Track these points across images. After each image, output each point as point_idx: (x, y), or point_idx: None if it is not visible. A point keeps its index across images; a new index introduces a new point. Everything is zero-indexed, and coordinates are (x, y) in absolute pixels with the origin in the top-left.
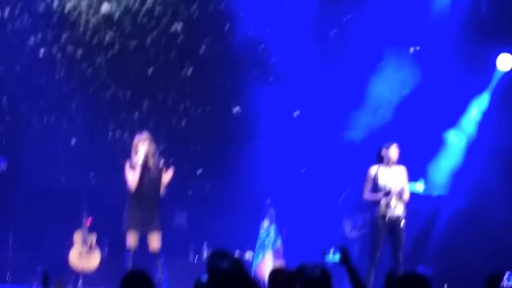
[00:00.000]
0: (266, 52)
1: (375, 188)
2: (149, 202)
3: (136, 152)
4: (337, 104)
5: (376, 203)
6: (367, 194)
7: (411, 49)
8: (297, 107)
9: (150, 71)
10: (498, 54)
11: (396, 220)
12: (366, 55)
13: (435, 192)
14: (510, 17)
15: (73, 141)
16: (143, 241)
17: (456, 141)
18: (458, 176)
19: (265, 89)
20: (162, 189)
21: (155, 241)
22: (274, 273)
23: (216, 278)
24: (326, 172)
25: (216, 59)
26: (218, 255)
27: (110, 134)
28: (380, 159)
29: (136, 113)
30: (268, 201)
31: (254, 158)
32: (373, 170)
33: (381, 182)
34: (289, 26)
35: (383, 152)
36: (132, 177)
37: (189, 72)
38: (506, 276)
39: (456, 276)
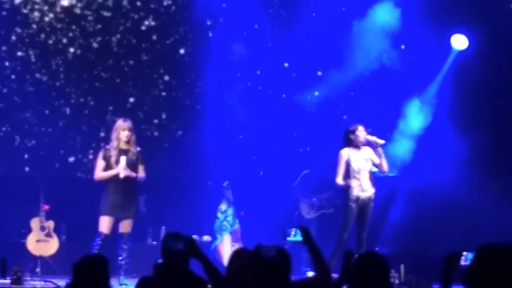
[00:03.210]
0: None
1: (348, 171)
2: (127, 188)
3: (116, 136)
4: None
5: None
6: (340, 178)
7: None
8: (253, 89)
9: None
10: (453, 34)
11: (368, 201)
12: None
13: (391, 173)
14: None
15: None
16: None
17: (415, 119)
18: (414, 156)
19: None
20: (140, 176)
21: (126, 226)
22: (234, 254)
23: (171, 259)
24: (283, 154)
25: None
26: (172, 237)
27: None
28: (348, 142)
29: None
30: (225, 184)
31: (211, 141)
32: (345, 153)
33: (354, 165)
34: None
35: (351, 135)
36: (101, 174)
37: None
38: (462, 257)
39: (413, 256)
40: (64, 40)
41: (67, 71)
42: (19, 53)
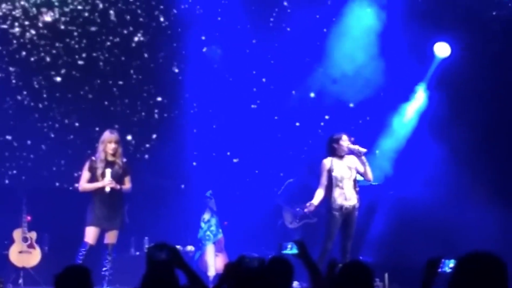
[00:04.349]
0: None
1: (330, 180)
2: (113, 200)
3: (103, 149)
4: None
5: (332, 195)
6: (323, 188)
7: None
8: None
9: None
10: (435, 42)
11: (352, 210)
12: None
13: (374, 182)
14: (445, 6)
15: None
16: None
17: (399, 126)
18: (397, 164)
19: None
20: (125, 188)
21: (112, 237)
22: (225, 267)
23: (154, 269)
24: (266, 163)
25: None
26: (156, 247)
27: (53, 135)
28: (332, 151)
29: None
30: (208, 193)
31: (195, 151)
32: (327, 162)
33: (337, 173)
34: None
35: (335, 143)
36: (86, 185)
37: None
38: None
39: (397, 265)
40: (48, 58)
41: (50, 91)
42: None
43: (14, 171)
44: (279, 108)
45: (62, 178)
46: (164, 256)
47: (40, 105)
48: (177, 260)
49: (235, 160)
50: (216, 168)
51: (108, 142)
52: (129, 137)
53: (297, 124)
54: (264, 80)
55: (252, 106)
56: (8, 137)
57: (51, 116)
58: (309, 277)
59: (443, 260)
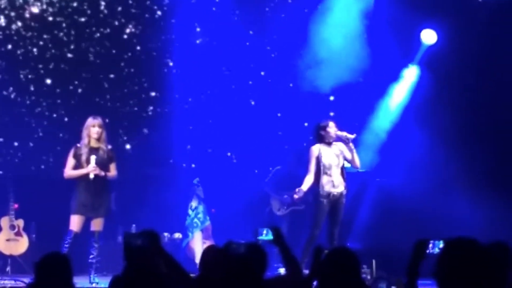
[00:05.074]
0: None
1: (319, 167)
2: (97, 187)
3: (87, 134)
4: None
5: (320, 182)
6: (312, 175)
7: None
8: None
9: None
10: (423, 29)
11: (339, 197)
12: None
13: (361, 169)
14: None
15: None
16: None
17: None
18: (384, 151)
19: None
20: (110, 175)
21: (98, 225)
22: (205, 251)
23: (130, 255)
24: (254, 150)
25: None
26: (131, 235)
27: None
28: (319, 138)
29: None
30: (196, 180)
31: (181, 138)
32: (315, 149)
33: (325, 160)
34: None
35: (322, 131)
36: (71, 172)
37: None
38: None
39: (384, 252)
40: (35, 50)
41: (37, 84)
42: None
43: (1, 159)
44: (276, 101)
45: (51, 174)
46: (140, 242)
47: (28, 100)
48: (153, 246)
49: (229, 154)
50: (203, 156)
51: (91, 126)
52: (120, 131)
53: (306, 124)
54: (262, 73)
55: (252, 101)
56: None
57: (38, 112)
58: (284, 264)
59: (431, 241)
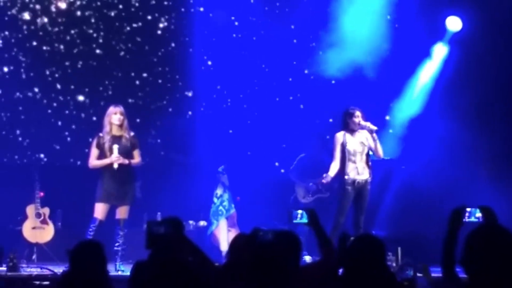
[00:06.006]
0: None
1: (344, 153)
2: (122, 175)
3: (109, 121)
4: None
5: (345, 169)
6: (337, 162)
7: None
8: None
9: None
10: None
11: (364, 184)
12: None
13: (386, 156)
14: None
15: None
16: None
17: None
18: (409, 139)
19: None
20: (134, 162)
21: (123, 213)
22: (234, 239)
23: (153, 243)
24: (279, 138)
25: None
26: (154, 223)
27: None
28: (345, 125)
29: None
30: (221, 168)
31: (205, 126)
32: (340, 136)
33: (350, 147)
34: None
35: (348, 118)
36: (95, 162)
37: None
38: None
39: (410, 239)
40: (61, 47)
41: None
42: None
43: (27, 148)
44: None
45: (75, 154)
46: (163, 230)
47: (54, 99)
48: (176, 234)
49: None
50: (229, 143)
51: (113, 114)
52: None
53: (330, 119)
54: (306, 71)
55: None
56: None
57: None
58: (319, 247)
59: (468, 209)
